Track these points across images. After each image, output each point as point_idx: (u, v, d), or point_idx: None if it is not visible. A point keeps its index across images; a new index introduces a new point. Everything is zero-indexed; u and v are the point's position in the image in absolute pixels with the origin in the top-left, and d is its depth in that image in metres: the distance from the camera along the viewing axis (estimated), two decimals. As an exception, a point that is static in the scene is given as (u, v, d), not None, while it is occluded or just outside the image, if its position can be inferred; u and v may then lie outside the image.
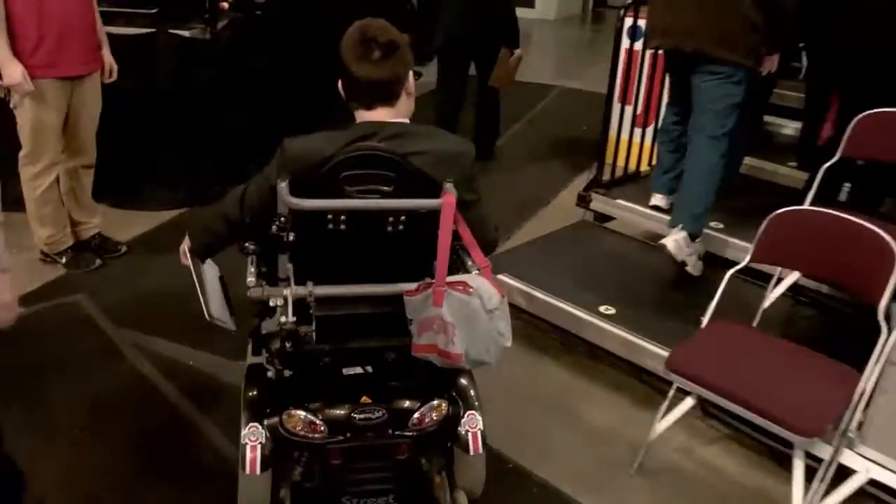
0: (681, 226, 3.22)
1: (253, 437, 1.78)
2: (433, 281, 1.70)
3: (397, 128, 1.78)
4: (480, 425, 1.87)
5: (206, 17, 4.34)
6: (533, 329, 3.32)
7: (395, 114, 1.82)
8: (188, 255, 2.01)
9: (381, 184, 1.70)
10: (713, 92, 3.16)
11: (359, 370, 1.88)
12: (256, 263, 1.83)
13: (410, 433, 1.85)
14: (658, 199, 3.68)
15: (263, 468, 1.77)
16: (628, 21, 4.78)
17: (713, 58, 3.10)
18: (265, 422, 1.80)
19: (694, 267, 3.34)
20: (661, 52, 3.55)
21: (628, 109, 4.22)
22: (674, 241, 3.21)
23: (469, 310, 1.67)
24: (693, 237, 3.25)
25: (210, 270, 2.05)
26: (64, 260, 3.65)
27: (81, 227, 3.76)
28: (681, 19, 3.17)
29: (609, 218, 3.94)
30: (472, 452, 1.87)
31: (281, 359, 1.78)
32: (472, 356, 1.70)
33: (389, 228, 1.75)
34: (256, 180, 1.81)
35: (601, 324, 2.99)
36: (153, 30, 4.23)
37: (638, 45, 4.16)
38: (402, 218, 1.74)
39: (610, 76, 3.90)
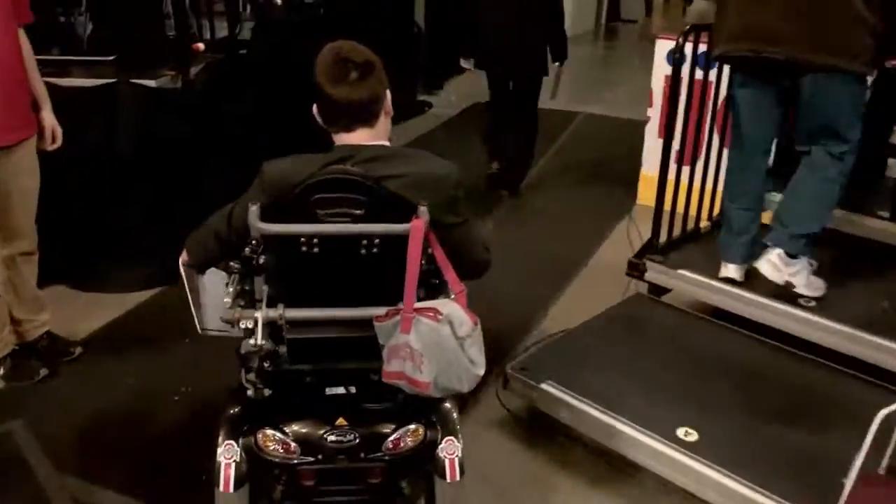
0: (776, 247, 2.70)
1: (227, 455, 1.79)
2: (404, 306, 1.70)
3: (375, 150, 1.77)
4: (459, 452, 1.85)
5: (177, 63, 3.69)
6: (578, 450, 2.60)
7: (374, 135, 1.81)
8: (184, 268, 2.00)
9: (352, 207, 1.70)
10: (828, 98, 2.59)
11: (341, 390, 1.89)
12: (239, 282, 1.85)
13: (384, 457, 1.83)
14: (731, 271, 2.97)
15: (237, 486, 1.79)
16: (663, 44, 4.12)
17: (815, 66, 2.52)
18: (240, 440, 1.81)
19: (808, 286, 2.77)
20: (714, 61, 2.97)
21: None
22: (767, 262, 2.71)
23: (438, 337, 1.67)
24: (793, 257, 2.70)
25: (214, 278, 2.00)
26: (1, 371, 2.97)
27: (25, 327, 3.07)
28: (767, 19, 2.55)
29: (665, 289, 3.23)
30: (448, 479, 1.83)
31: (260, 377, 1.83)
32: (442, 384, 1.70)
33: (363, 251, 1.73)
34: (240, 202, 1.78)
35: (684, 458, 2.25)
36: (114, 80, 3.59)
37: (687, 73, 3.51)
38: (376, 241, 1.72)
39: (667, 126, 3.20)
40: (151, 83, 3.63)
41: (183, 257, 1.99)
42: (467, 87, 7.42)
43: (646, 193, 4.48)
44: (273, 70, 4.19)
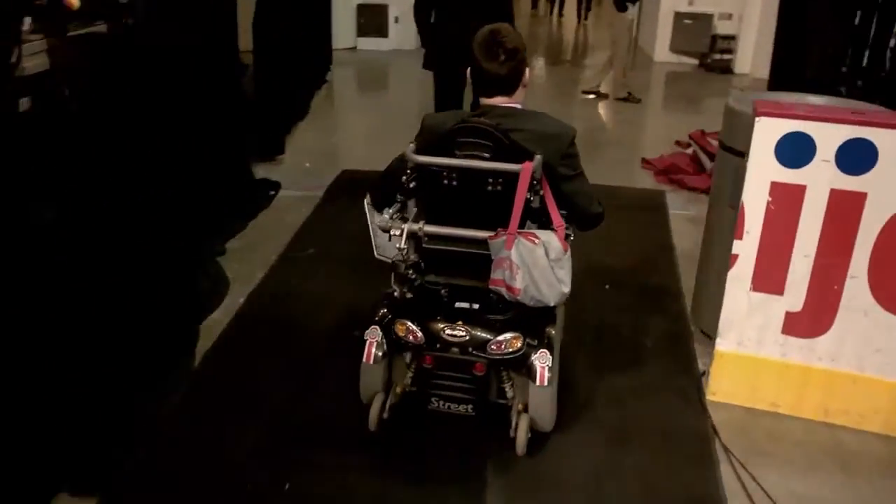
0: None
1: (371, 335, 2.54)
2: (508, 229, 2.31)
3: (507, 110, 2.46)
4: (549, 362, 2.43)
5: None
6: None
7: (509, 101, 2.48)
8: (367, 207, 2.66)
9: (481, 151, 2.37)
10: None
11: (466, 305, 2.53)
12: (399, 209, 2.57)
13: (487, 354, 2.45)
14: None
15: (377, 360, 2.54)
16: (771, 126, 2.63)
17: None
18: (383, 323, 2.54)
19: None
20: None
21: (777, 304, 2.76)
22: None
23: (533, 255, 2.28)
24: None
25: (380, 218, 2.55)
26: None
27: None
28: None
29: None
30: (537, 383, 2.44)
31: (404, 283, 2.59)
32: (531, 293, 2.33)
33: (489, 187, 2.38)
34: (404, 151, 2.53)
35: None
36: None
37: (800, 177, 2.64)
38: (500, 180, 2.35)
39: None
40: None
41: (367, 199, 2.67)
42: (319, 140, 6.92)
43: (725, 384, 2.99)
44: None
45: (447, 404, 2.52)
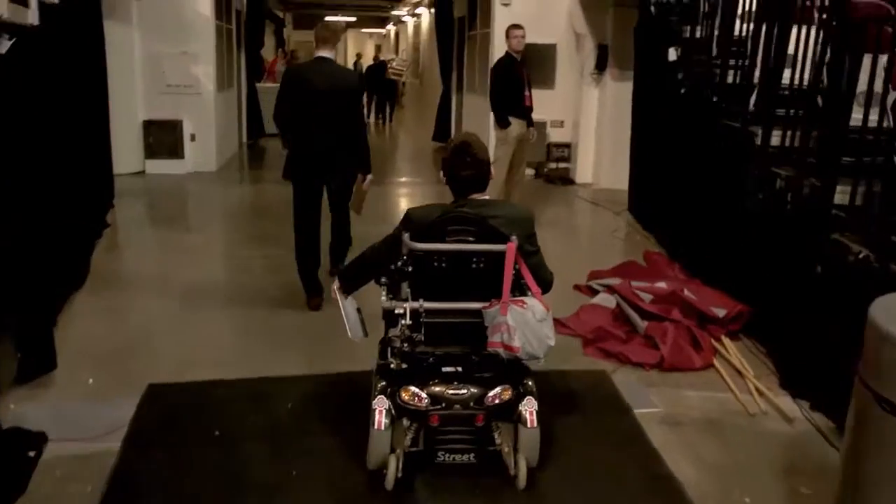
0: None
1: (380, 404, 2.84)
2: (501, 299, 2.82)
3: (481, 201, 3.07)
4: (535, 407, 2.87)
5: None
6: None
7: (482, 194, 3.09)
8: (338, 293, 3.29)
9: (466, 235, 2.89)
10: None
11: (452, 369, 2.92)
12: (388, 290, 3.03)
13: (486, 406, 2.87)
14: None
15: (386, 427, 2.82)
16: None
17: None
18: (387, 392, 2.86)
19: None
20: None
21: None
22: None
23: (524, 318, 2.79)
24: None
25: (350, 304, 3.28)
26: None
27: None
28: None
29: None
30: (528, 426, 2.86)
31: (401, 355, 2.91)
32: (527, 350, 2.80)
33: (473, 266, 2.91)
34: (386, 239, 3.13)
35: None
36: None
37: None
38: (483, 259, 2.89)
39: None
40: None
41: (335, 286, 3.33)
42: (104, 328, 4.63)
43: None
44: None
45: (452, 456, 2.93)
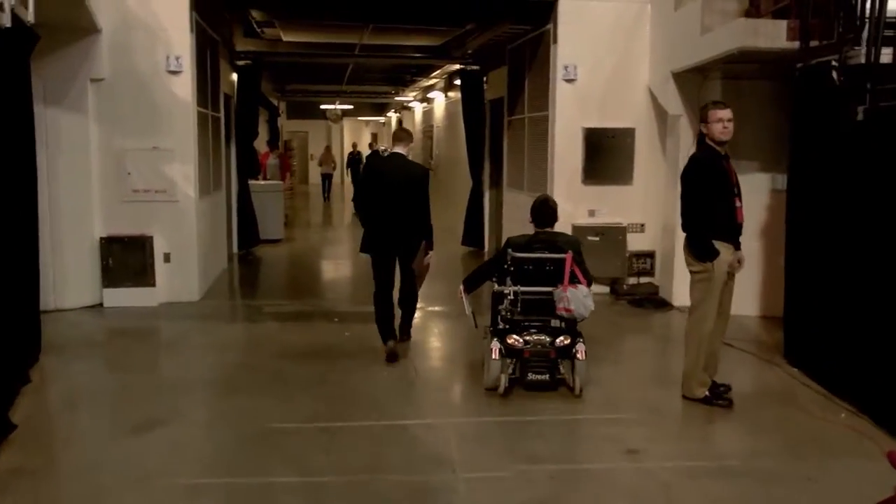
0: None
1: (495, 345, 5.02)
2: (563, 284, 5.07)
3: (552, 232, 5.37)
4: (583, 348, 5.04)
5: None
6: None
7: (552, 228, 5.38)
8: (463, 294, 5.42)
9: (545, 250, 5.21)
10: None
11: (535, 327, 5.16)
12: (497, 283, 5.30)
13: (556, 347, 5.05)
14: None
15: (500, 356, 5.02)
16: None
17: None
18: (498, 340, 5.07)
19: None
20: None
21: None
22: None
23: (577, 294, 5.00)
24: None
25: (468, 302, 5.42)
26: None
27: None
28: None
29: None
30: (579, 358, 5.03)
31: (504, 320, 5.19)
32: (579, 312, 5.00)
33: (548, 268, 5.15)
34: (493, 257, 5.97)
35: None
36: None
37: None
38: (553, 264, 5.14)
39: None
40: None
41: (461, 289, 5.44)
42: None
43: None
44: None
45: (535, 376, 5.10)
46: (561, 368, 5.16)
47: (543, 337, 5.05)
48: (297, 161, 25.89)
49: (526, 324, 5.13)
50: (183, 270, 7.76)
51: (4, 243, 4.75)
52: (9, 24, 4.52)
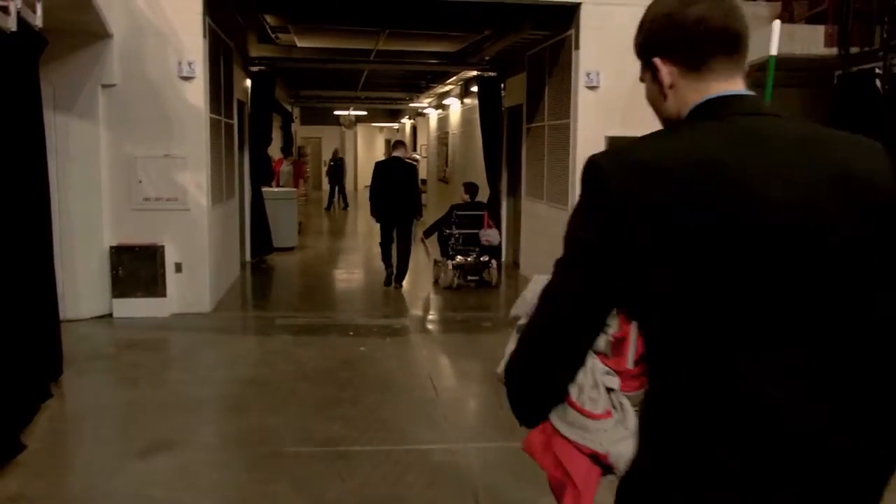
0: None
1: (451, 263, 9.29)
2: (484, 227, 9.63)
3: (476, 202, 9.95)
4: (496, 262, 9.49)
5: None
6: None
7: (476, 197, 10.10)
8: (424, 239, 9.88)
9: (474, 209, 9.79)
10: None
11: (471, 251, 9.35)
12: (448, 230, 9.71)
13: (482, 263, 9.31)
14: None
15: (453, 269, 9.30)
16: None
17: None
18: (453, 259, 9.34)
19: None
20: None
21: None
22: None
23: (493, 232, 9.52)
24: None
25: (430, 243, 9.99)
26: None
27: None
28: None
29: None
30: (492, 266, 9.35)
31: (454, 249, 9.45)
32: (493, 241, 9.48)
33: (474, 219, 9.86)
34: (443, 217, 9.86)
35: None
36: None
37: None
38: (477, 217, 9.75)
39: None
40: None
41: (420, 237, 9.86)
42: None
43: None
44: None
45: (471, 279, 9.16)
46: (485, 275, 9.27)
47: (474, 257, 9.16)
48: (310, 167, 25.75)
49: (464, 250, 9.20)
50: (194, 281, 7.57)
51: (20, 255, 4.57)
52: (15, 28, 4.35)
